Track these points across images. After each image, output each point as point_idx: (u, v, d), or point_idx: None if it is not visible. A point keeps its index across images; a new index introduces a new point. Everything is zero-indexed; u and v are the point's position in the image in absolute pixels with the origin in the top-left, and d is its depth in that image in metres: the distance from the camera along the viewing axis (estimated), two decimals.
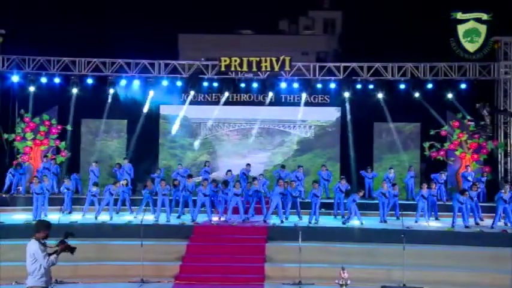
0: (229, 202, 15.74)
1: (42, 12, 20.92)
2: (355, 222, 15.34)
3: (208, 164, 19.40)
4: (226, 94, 20.09)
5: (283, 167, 19.15)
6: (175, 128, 20.77)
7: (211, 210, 15.84)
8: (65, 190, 16.91)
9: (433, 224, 15.53)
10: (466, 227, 14.90)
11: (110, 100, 20.03)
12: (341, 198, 16.69)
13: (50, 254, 7.34)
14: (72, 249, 7.50)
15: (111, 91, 19.88)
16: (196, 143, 20.83)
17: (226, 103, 20.49)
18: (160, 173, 18.69)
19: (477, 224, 15.58)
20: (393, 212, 16.52)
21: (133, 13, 23.59)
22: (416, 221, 15.65)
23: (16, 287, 12.07)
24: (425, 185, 16.22)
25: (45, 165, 18.77)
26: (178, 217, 16.01)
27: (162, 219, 15.52)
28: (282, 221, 15.43)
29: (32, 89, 19.71)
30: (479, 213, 16.12)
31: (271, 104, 20.55)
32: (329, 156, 20.59)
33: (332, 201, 17.23)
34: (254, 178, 17.09)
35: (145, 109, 20.12)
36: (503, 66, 19.39)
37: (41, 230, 7.48)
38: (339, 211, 16.75)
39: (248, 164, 19.13)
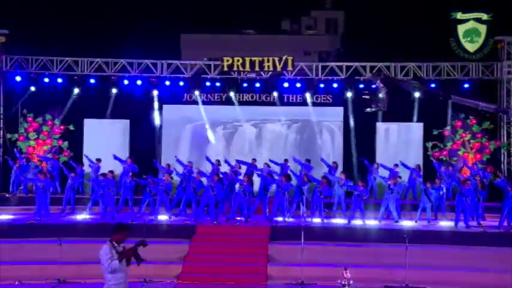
0: (234, 201, 15.70)
1: (45, 12, 20.99)
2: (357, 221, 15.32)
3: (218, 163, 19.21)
4: (232, 94, 20.11)
5: (285, 161, 19.14)
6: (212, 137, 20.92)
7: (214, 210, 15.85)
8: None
9: (436, 224, 15.44)
10: (467, 227, 14.82)
11: (112, 100, 20.06)
12: (341, 196, 16.58)
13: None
14: (138, 259, 7.10)
15: (114, 91, 19.93)
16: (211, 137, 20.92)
17: (229, 103, 20.50)
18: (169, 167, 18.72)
19: (479, 224, 15.46)
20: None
21: (135, 13, 23.66)
22: (416, 221, 15.59)
23: (19, 286, 12.09)
24: (428, 183, 16.12)
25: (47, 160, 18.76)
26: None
27: (164, 218, 15.52)
28: (284, 221, 15.40)
29: (34, 89, 19.76)
30: (480, 212, 16.04)
31: (273, 104, 20.54)
32: (331, 156, 20.50)
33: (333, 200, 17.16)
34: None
35: (155, 107, 20.17)
36: (506, 66, 19.34)
37: (116, 232, 7.17)
38: (339, 211, 16.64)
39: (254, 159, 19.16)
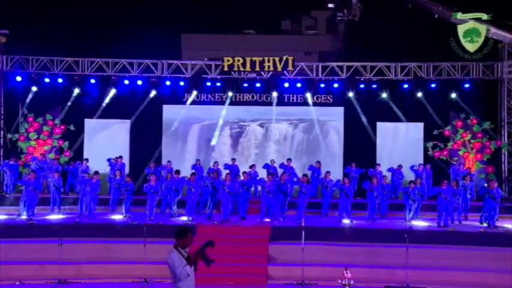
0: (223, 201, 15.73)
1: (45, 12, 20.97)
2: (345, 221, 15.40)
3: (199, 163, 19.15)
4: (230, 94, 20.12)
5: (271, 161, 19.09)
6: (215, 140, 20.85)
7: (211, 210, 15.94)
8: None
9: (417, 224, 15.37)
10: (444, 225, 14.85)
11: (113, 100, 20.09)
12: (328, 196, 16.61)
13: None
14: (208, 261, 6.80)
15: (114, 91, 19.95)
16: (214, 141, 20.86)
17: (229, 103, 20.50)
18: (200, 163, 18.86)
19: (459, 222, 15.47)
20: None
21: (136, 13, 23.63)
22: (405, 220, 15.59)
23: (19, 286, 12.10)
24: (412, 184, 16.04)
25: (40, 163, 18.71)
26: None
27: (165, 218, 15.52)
28: (281, 221, 15.41)
29: (35, 89, 19.79)
30: (466, 212, 16.10)
31: (274, 104, 20.54)
32: (332, 156, 20.52)
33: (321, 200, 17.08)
34: (244, 172, 17.11)
35: (143, 107, 20.18)
36: (507, 66, 19.35)
37: (181, 237, 6.89)
38: (327, 212, 16.62)
39: (233, 159, 19.26)
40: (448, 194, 15.06)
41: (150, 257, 12.46)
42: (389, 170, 18.40)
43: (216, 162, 18.78)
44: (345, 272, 10.63)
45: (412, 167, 18.33)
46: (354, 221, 15.42)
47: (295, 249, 12.81)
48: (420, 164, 18.68)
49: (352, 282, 10.59)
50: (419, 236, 13.73)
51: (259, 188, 17.26)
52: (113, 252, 13.38)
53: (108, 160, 18.63)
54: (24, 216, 15.48)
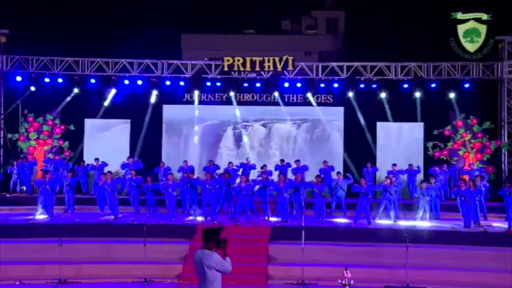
0: (238, 202, 15.72)
1: (45, 12, 21.02)
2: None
3: (212, 164, 19.26)
4: (232, 94, 20.13)
5: (282, 161, 19.12)
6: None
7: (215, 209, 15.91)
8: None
9: (434, 224, 15.42)
10: (466, 226, 14.78)
11: (113, 100, 20.10)
12: (341, 196, 16.59)
13: None
14: (225, 243, 7.06)
15: (114, 91, 19.96)
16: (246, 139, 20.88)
17: (229, 103, 20.51)
18: (212, 164, 18.82)
19: (478, 223, 15.39)
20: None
21: (136, 13, 23.68)
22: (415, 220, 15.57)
23: (19, 286, 12.09)
24: (424, 183, 16.02)
25: (54, 163, 18.78)
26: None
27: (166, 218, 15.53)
28: (286, 221, 15.39)
29: (33, 88, 19.79)
30: (483, 212, 16.01)
31: (274, 103, 20.56)
32: (333, 156, 20.50)
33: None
34: (263, 172, 17.10)
35: (143, 107, 20.26)
36: (507, 66, 19.37)
37: (211, 239, 7.02)
38: (338, 211, 16.60)
39: (247, 159, 19.30)
40: (468, 196, 15.00)
41: (150, 257, 12.45)
42: (405, 171, 18.43)
43: (230, 162, 18.72)
44: (345, 272, 10.61)
45: (430, 170, 18.35)
46: (372, 221, 15.31)
47: (295, 249, 12.79)
48: (436, 166, 18.66)
49: (352, 282, 10.57)
50: (419, 236, 13.70)
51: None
52: (113, 252, 13.36)
53: (122, 165, 18.67)
54: (43, 216, 15.43)
